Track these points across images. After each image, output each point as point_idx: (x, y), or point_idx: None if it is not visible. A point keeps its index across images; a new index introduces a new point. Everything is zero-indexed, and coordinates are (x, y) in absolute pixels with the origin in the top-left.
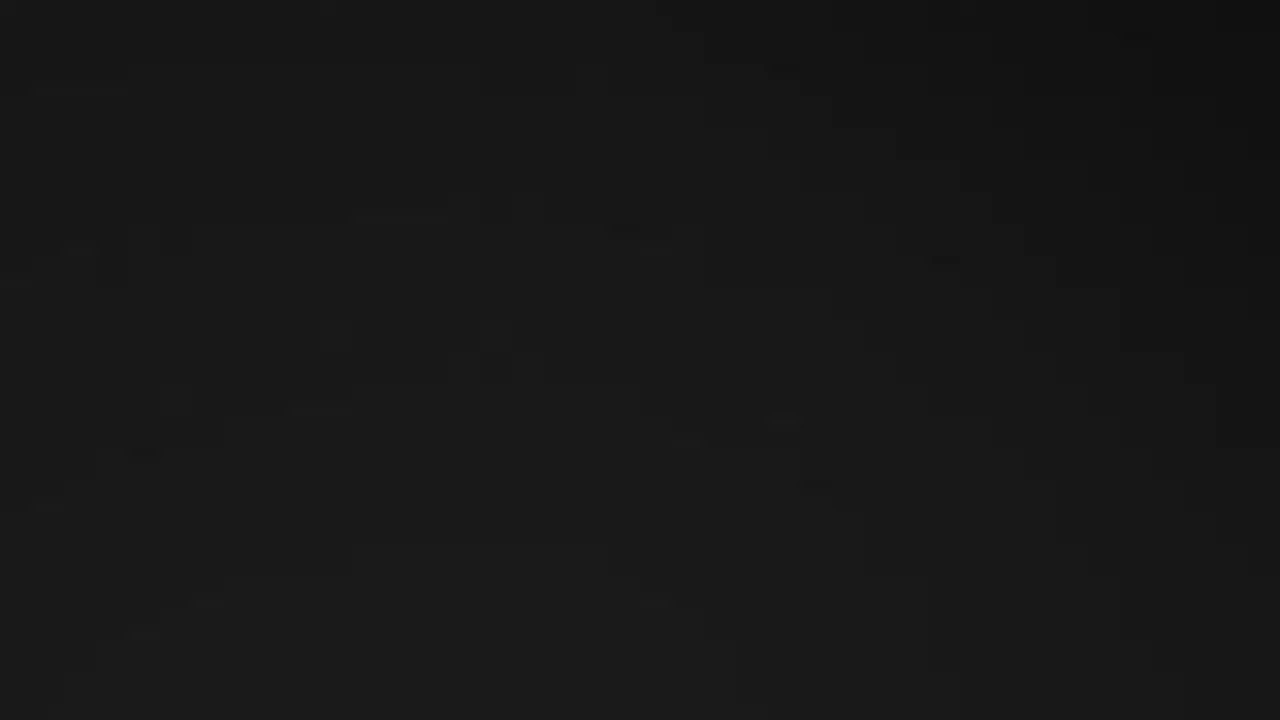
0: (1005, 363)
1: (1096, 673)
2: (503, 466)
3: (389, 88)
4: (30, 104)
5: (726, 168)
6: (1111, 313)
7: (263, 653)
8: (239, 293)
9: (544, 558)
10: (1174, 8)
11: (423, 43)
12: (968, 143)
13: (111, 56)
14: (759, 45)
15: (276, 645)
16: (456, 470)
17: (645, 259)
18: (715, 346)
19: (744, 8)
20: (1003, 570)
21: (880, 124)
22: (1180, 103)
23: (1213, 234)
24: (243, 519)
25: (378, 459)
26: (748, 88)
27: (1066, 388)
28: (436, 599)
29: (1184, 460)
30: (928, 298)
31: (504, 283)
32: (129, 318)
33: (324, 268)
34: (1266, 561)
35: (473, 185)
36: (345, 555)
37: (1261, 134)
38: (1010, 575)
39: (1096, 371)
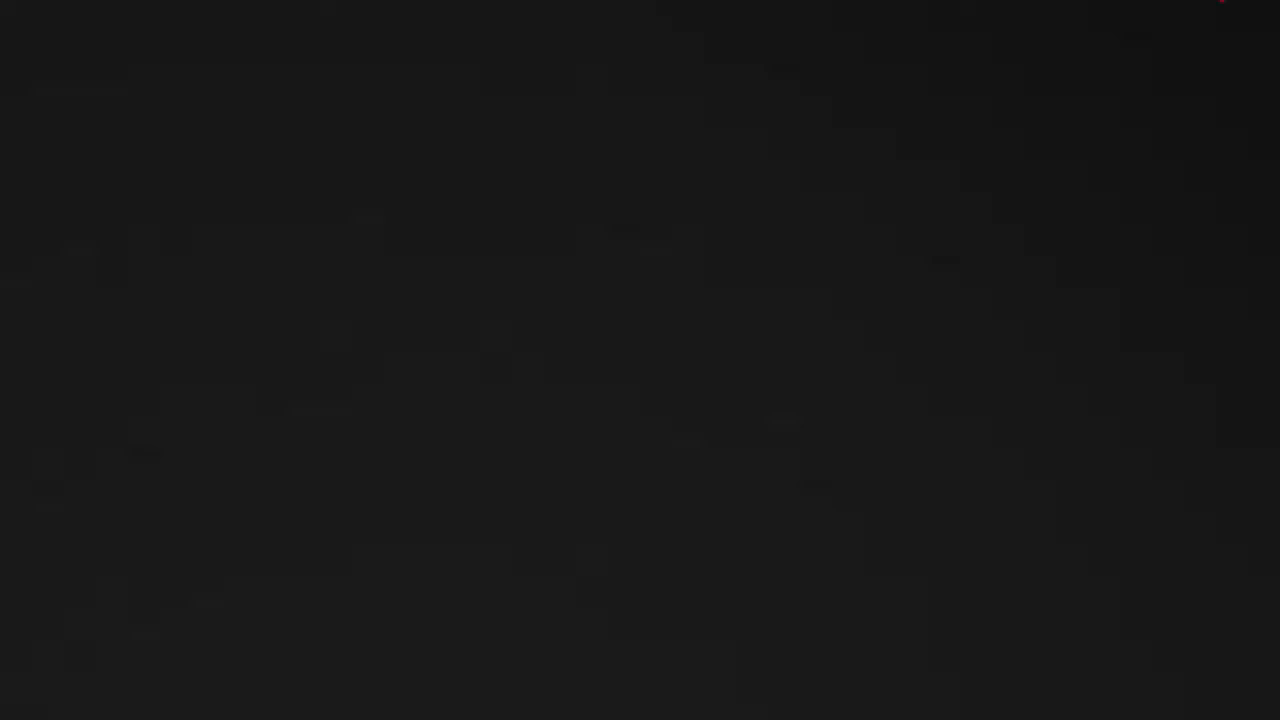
0: (1005, 363)
1: (1096, 673)
2: (503, 466)
3: (389, 88)
4: (30, 104)
5: (726, 168)
6: (1111, 313)
7: (263, 653)
8: (239, 293)
9: (544, 558)
10: (1174, 8)
11: (423, 43)
12: (968, 143)
13: (111, 56)
14: (759, 45)
15: (276, 645)
16: (456, 470)
17: (645, 259)
18: (715, 346)
19: (744, 8)
20: (1003, 570)
21: (880, 124)
22: (1180, 103)
23: (1213, 234)
24: (243, 519)
25: (378, 459)
26: (748, 88)
27: (1066, 388)
28: (436, 599)
29: (1184, 460)
30: (928, 298)
31: (504, 283)
32: (129, 318)
33: (324, 268)
34: (1266, 561)
35: (472, 185)
36: (345, 555)
37: (1261, 134)
38: (1010, 575)
39: (1096, 371)
